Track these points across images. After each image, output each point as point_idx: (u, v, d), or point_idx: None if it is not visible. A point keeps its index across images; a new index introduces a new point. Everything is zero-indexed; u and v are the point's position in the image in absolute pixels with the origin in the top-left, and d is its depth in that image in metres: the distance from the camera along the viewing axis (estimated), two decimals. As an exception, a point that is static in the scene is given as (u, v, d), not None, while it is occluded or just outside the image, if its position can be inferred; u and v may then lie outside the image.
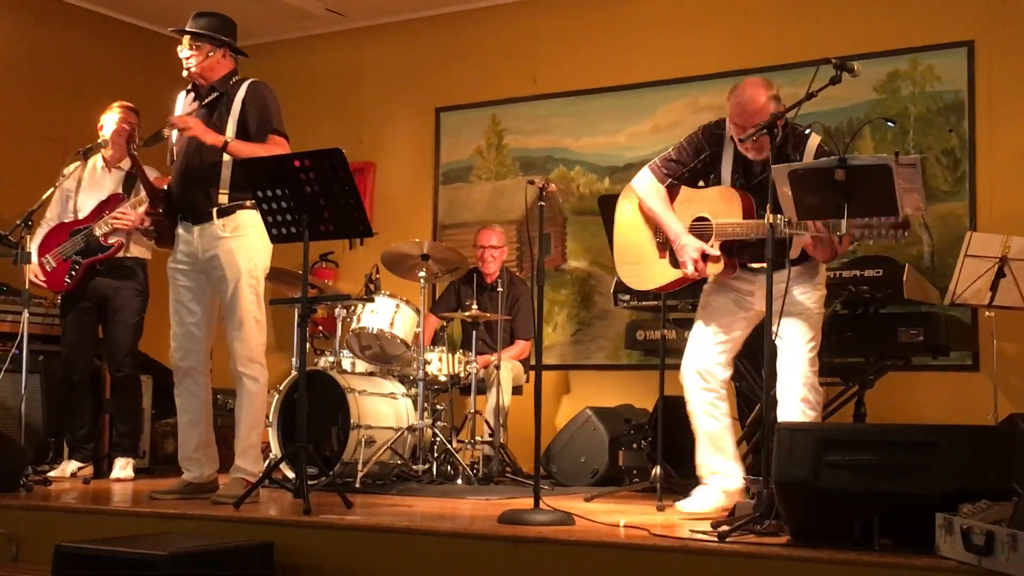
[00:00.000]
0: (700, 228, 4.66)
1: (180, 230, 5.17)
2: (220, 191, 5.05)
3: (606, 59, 7.73)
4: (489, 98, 8.11)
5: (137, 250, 6.27)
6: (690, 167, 4.73)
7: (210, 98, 5.13)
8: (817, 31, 6.99)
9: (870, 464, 3.54)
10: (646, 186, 4.78)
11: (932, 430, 3.63)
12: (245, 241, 5.07)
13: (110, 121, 6.28)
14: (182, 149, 5.14)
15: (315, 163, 4.67)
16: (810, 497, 3.61)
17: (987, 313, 5.68)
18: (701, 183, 4.77)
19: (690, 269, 4.60)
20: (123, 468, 6.14)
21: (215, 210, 5.05)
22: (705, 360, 4.68)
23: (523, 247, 7.76)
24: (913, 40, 6.80)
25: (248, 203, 5.01)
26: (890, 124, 6.37)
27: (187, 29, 5.15)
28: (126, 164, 6.33)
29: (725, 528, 3.79)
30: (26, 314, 5.90)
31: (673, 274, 4.76)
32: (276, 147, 5.04)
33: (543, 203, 4.53)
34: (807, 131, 4.55)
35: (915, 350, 5.55)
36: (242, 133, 5.07)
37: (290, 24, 8.57)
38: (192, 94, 5.25)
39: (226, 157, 5.01)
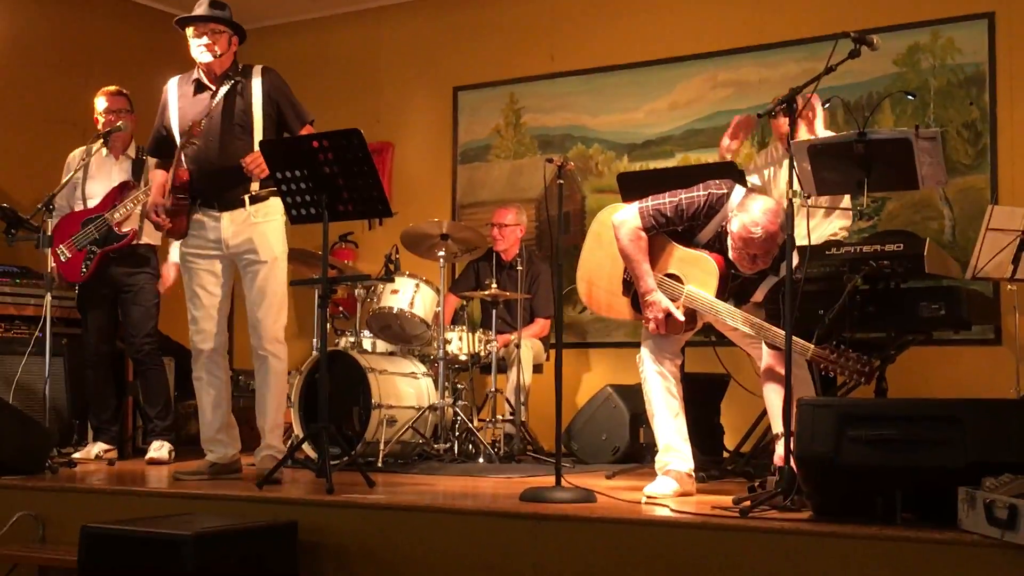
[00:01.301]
0: (669, 286, 4.56)
1: (200, 217, 5.18)
2: (252, 179, 5.08)
3: (623, 36, 7.70)
4: (507, 77, 8.09)
5: (148, 236, 6.29)
6: (676, 227, 4.58)
7: (226, 88, 5.13)
8: (836, 4, 6.94)
9: (892, 439, 3.54)
10: (628, 231, 4.56)
11: (954, 404, 3.62)
12: (275, 225, 5.17)
13: (99, 107, 6.28)
14: (213, 138, 5.10)
15: (333, 143, 4.68)
16: (832, 472, 3.61)
17: (1009, 287, 5.65)
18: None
19: (652, 327, 4.51)
20: (157, 450, 6.13)
21: (247, 197, 5.08)
22: (664, 344, 4.63)
23: (542, 226, 7.75)
24: (933, 12, 6.75)
25: (272, 189, 5.05)
26: (910, 97, 6.32)
27: (212, 15, 5.14)
28: (132, 151, 6.34)
29: (747, 504, 3.79)
30: (49, 297, 5.93)
31: (630, 314, 4.70)
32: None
33: (561, 181, 4.53)
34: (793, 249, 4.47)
35: (937, 324, 5.51)
36: (269, 123, 5.11)
37: (307, 5, 8.57)
38: (192, 84, 5.21)
39: (256, 143, 5.04)
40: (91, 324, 6.35)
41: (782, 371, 4.40)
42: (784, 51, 7.11)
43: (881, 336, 5.52)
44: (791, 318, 4.12)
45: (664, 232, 4.60)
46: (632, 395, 6.60)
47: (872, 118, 6.58)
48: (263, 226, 5.13)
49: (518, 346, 6.60)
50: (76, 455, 6.13)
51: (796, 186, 4.10)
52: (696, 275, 4.51)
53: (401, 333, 6.56)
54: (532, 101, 8.03)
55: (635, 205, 4.61)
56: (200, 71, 5.20)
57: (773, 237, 4.31)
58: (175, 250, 6.16)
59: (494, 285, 6.56)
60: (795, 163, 4.11)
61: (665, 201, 4.56)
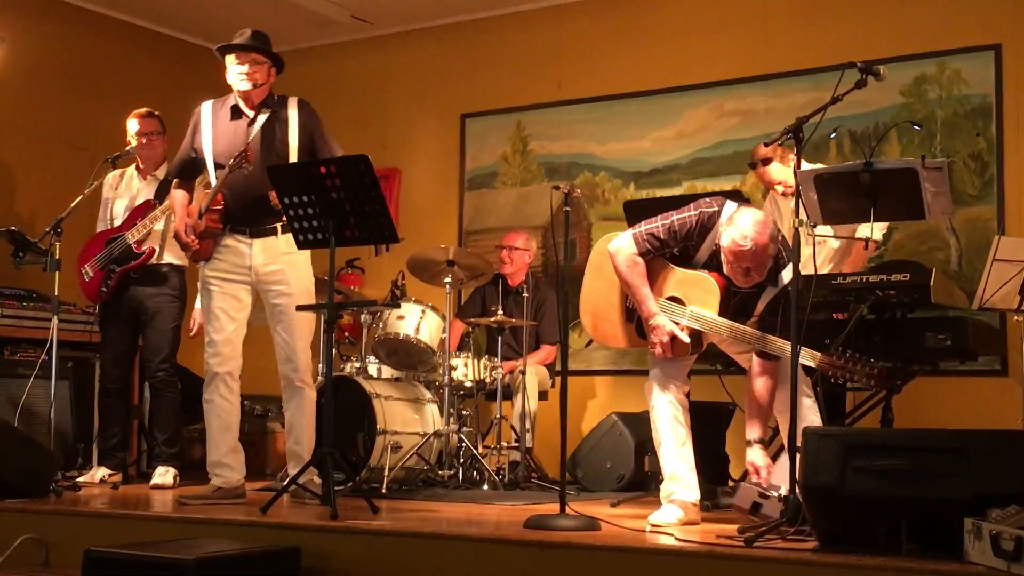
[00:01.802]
0: (671, 309, 4.57)
1: (230, 242, 5.20)
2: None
3: (630, 65, 7.73)
4: (514, 104, 8.12)
5: (172, 256, 6.28)
6: (670, 249, 4.60)
7: (264, 117, 5.17)
8: (842, 35, 6.97)
9: (898, 469, 3.53)
10: (625, 258, 4.59)
11: (960, 435, 3.61)
12: (304, 256, 5.21)
13: (131, 129, 6.34)
14: (254, 164, 5.12)
15: (341, 169, 4.70)
16: (837, 502, 3.60)
17: (1016, 318, 5.63)
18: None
19: (658, 351, 4.53)
20: (162, 476, 6.11)
21: (280, 226, 5.12)
22: (672, 372, 4.64)
23: (548, 253, 7.76)
24: (940, 43, 6.77)
25: None
26: (916, 128, 6.34)
27: (256, 46, 5.25)
28: (161, 172, 6.37)
29: (752, 534, 3.78)
30: (55, 321, 5.94)
31: (635, 342, 4.71)
32: None
33: (568, 208, 4.54)
34: (786, 261, 4.47)
35: (943, 355, 5.49)
36: (303, 154, 5.18)
37: (316, 31, 8.61)
38: (229, 110, 5.26)
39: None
40: (108, 344, 6.36)
41: (771, 381, 4.44)
42: (791, 81, 7.14)
43: (887, 366, 5.51)
44: (797, 346, 4.12)
45: (661, 255, 4.61)
46: (637, 423, 6.59)
47: (879, 148, 6.60)
48: (294, 256, 5.16)
49: (523, 373, 6.59)
50: (80, 479, 6.13)
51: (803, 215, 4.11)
52: (697, 295, 4.52)
53: (407, 359, 6.56)
54: (539, 128, 8.06)
55: (629, 231, 4.65)
56: (238, 98, 5.25)
57: (764, 248, 4.32)
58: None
59: (500, 312, 6.57)
60: (801, 192, 4.12)
61: (658, 224, 4.59)
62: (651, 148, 7.65)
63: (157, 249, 6.23)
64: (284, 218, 5.02)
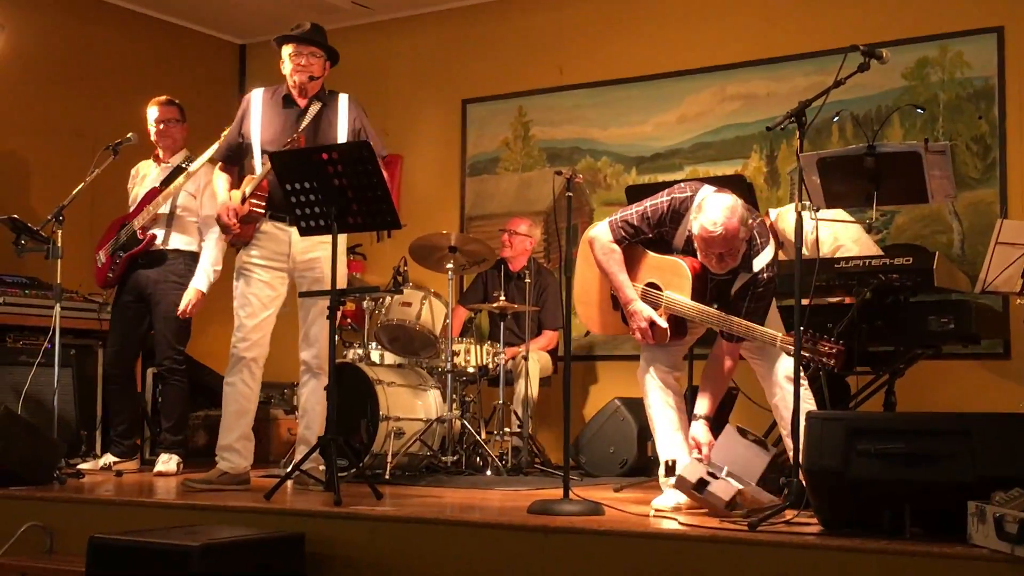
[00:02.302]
0: (651, 295, 4.63)
1: (269, 228, 5.22)
2: None
3: (632, 50, 7.71)
4: (515, 90, 8.10)
5: (179, 241, 6.27)
6: (645, 235, 4.66)
7: (316, 109, 5.20)
8: (844, 18, 6.95)
9: (901, 452, 3.53)
10: (601, 246, 4.68)
11: (963, 418, 3.61)
12: (341, 245, 5.17)
13: (151, 117, 6.35)
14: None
15: (343, 156, 4.69)
16: (841, 486, 3.60)
17: (1018, 301, 5.63)
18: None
19: (638, 337, 4.59)
20: (165, 463, 6.12)
21: None
22: (663, 357, 4.68)
23: (551, 238, 7.76)
24: (942, 26, 6.75)
25: None
26: (919, 111, 6.32)
27: (315, 39, 5.30)
28: (177, 159, 6.36)
29: (756, 518, 3.78)
30: (58, 308, 5.94)
31: (622, 329, 4.76)
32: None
33: (570, 194, 4.53)
34: (760, 247, 4.48)
35: (946, 338, 5.50)
36: None
37: (316, 17, 8.46)
38: (281, 99, 5.28)
39: None
40: (115, 331, 6.37)
41: (731, 363, 4.58)
42: (793, 64, 7.11)
43: (890, 350, 5.52)
44: (800, 335, 4.11)
45: (639, 242, 4.67)
46: (640, 408, 6.55)
47: (881, 131, 6.58)
48: (329, 246, 5.12)
49: (526, 358, 6.60)
50: (85, 466, 6.14)
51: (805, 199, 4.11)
52: (672, 280, 4.57)
53: (409, 345, 6.56)
54: (541, 114, 8.04)
55: (606, 220, 4.73)
56: (290, 88, 5.26)
57: (734, 234, 4.33)
58: (201, 276, 6.15)
59: (502, 297, 6.56)
60: (804, 176, 4.11)
61: (632, 212, 4.66)
62: (653, 133, 7.64)
63: (159, 234, 6.22)
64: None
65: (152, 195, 6.24)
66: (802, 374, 4.49)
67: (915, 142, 4.14)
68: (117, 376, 6.41)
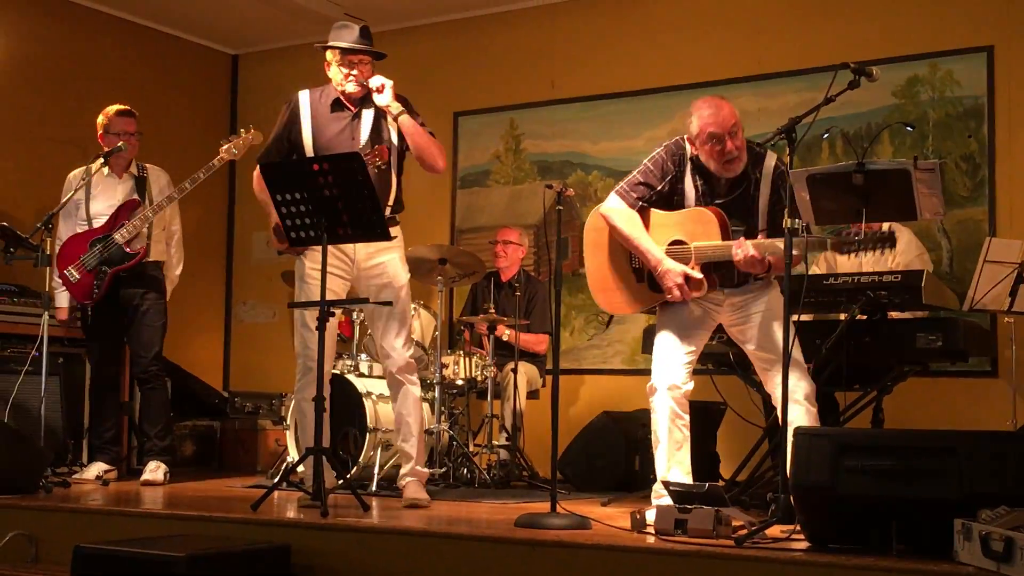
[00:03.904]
0: (677, 251, 4.60)
1: None
2: (388, 202, 5.13)
3: (623, 64, 7.73)
4: (507, 102, 8.12)
5: (155, 253, 6.30)
6: (657, 190, 4.64)
7: (371, 112, 5.19)
8: (835, 35, 6.98)
9: (888, 469, 3.54)
10: (617, 213, 4.66)
11: (950, 435, 3.62)
12: (401, 252, 5.22)
13: (120, 127, 6.27)
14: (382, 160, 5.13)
15: (334, 167, 4.69)
16: (828, 502, 3.60)
17: (1006, 319, 5.66)
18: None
19: (676, 295, 4.53)
20: (152, 471, 6.10)
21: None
22: (676, 374, 4.64)
23: (541, 251, 7.77)
24: (932, 45, 6.78)
25: (398, 215, 5.18)
26: (909, 129, 6.35)
27: (364, 48, 5.23)
28: (135, 169, 6.34)
29: (742, 533, 3.78)
30: (46, 316, 5.92)
31: (653, 299, 4.72)
32: (439, 144, 5.21)
33: (560, 207, 4.54)
34: (763, 149, 4.56)
35: (933, 356, 5.51)
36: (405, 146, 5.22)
37: (309, 28, 8.59)
38: (330, 103, 5.23)
39: (394, 167, 5.15)
40: (98, 345, 6.35)
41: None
42: (783, 81, 7.14)
43: (878, 366, 5.52)
44: (787, 355, 4.12)
45: (652, 203, 4.66)
46: (628, 422, 6.60)
47: (871, 149, 6.61)
48: (395, 251, 5.16)
49: (514, 371, 6.60)
50: (76, 476, 6.12)
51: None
52: (697, 229, 4.55)
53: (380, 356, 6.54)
54: (532, 127, 8.05)
55: (613, 192, 4.72)
56: (339, 92, 5.22)
57: (731, 112, 4.49)
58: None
59: (492, 308, 6.56)
60: (794, 192, 4.13)
61: (634, 174, 4.69)
62: (644, 147, 7.63)
63: (147, 248, 6.22)
64: (387, 211, 5.07)
65: (130, 208, 6.21)
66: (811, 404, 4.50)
67: (904, 160, 4.16)
68: (106, 385, 6.42)
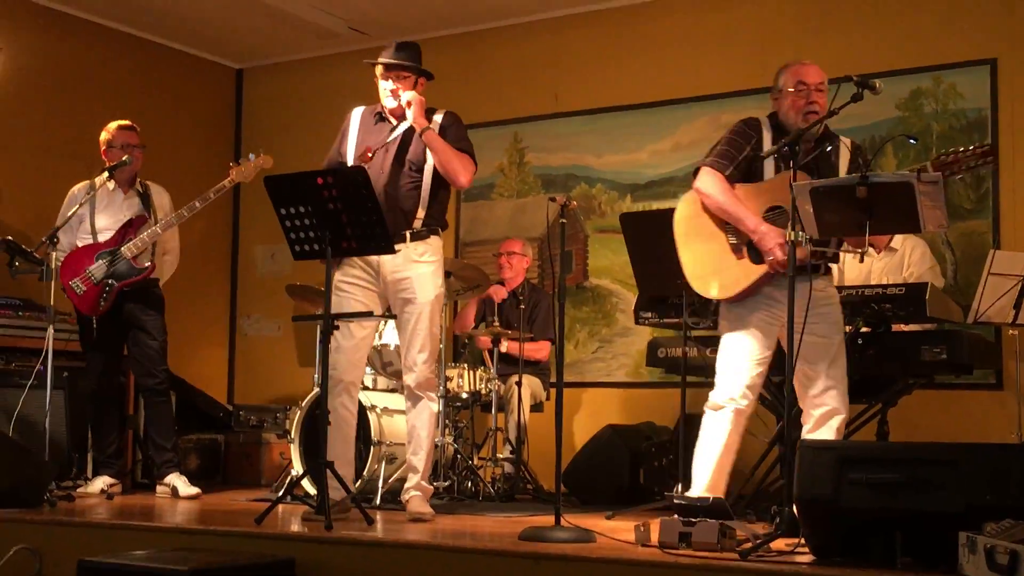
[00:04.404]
0: (776, 217, 4.54)
1: None
2: (417, 215, 5.12)
3: (627, 77, 7.74)
4: (511, 116, 8.13)
5: (157, 270, 6.35)
6: (744, 155, 4.63)
7: (406, 124, 5.19)
8: (839, 49, 6.98)
9: (892, 482, 3.53)
10: (711, 184, 4.62)
11: (955, 448, 3.61)
12: (434, 267, 5.16)
13: (123, 140, 6.30)
14: (385, 170, 5.14)
15: (338, 181, 4.70)
16: (832, 515, 3.60)
17: (1011, 331, 5.66)
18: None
19: (779, 255, 4.43)
20: (186, 486, 6.14)
21: (410, 232, 5.09)
22: (751, 381, 4.58)
23: (545, 264, 7.77)
24: (936, 58, 6.79)
25: (436, 229, 5.15)
26: (912, 141, 6.34)
27: (400, 63, 5.25)
28: (140, 186, 6.37)
29: (747, 546, 3.77)
30: (51, 330, 5.93)
31: (757, 271, 4.57)
32: (467, 160, 5.15)
33: (564, 220, 4.54)
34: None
35: (938, 368, 5.51)
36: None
37: (313, 42, 8.62)
38: (375, 115, 5.30)
39: (426, 182, 5.11)
40: (100, 358, 6.36)
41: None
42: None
43: (882, 379, 5.52)
44: (793, 363, 4.13)
45: (740, 171, 4.64)
46: (633, 435, 6.59)
47: (874, 161, 6.60)
48: (422, 266, 5.12)
49: (518, 384, 6.59)
50: (81, 489, 6.13)
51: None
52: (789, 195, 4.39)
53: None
54: (536, 140, 8.07)
55: (700, 169, 4.70)
56: (383, 107, 5.27)
57: (821, 73, 4.60)
58: None
59: (496, 321, 6.56)
60: (797, 204, 4.13)
61: (718, 147, 4.71)
62: (648, 160, 7.66)
63: (154, 264, 6.25)
64: (414, 225, 5.09)
65: (139, 224, 6.22)
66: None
67: (908, 172, 4.16)
68: (111, 398, 6.43)
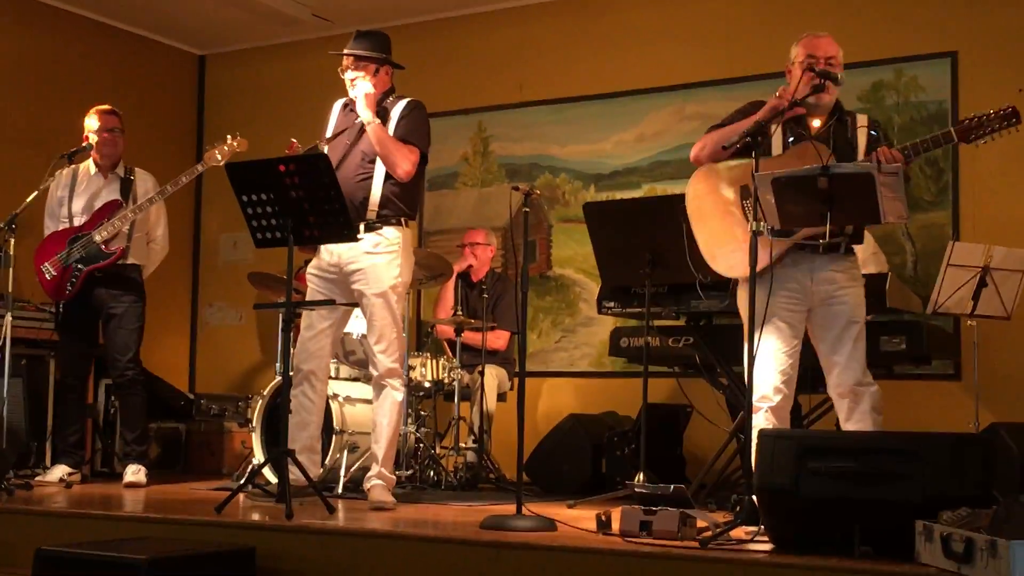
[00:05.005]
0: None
1: None
2: (370, 206, 5.11)
3: (592, 67, 7.75)
4: (475, 105, 8.12)
5: (135, 256, 6.26)
6: (742, 117, 4.55)
7: (370, 115, 5.16)
8: (802, 40, 7.01)
9: (851, 472, 3.56)
10: (705, 138, 4.57)
11: (913, 438, 3.64)
12: (389, 256, 5.13)
13: (92, 126, 6.26)
14: (343, 159, 5.17)
15: (300, 168, 4.68)
16: (791, 505, 3.62)
17: (969, 322, 5.71)
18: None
19: (780, 97, 4.44)
20: (135, 474, 6.08)
21: (363, 224, 5.08)
22: (781, 375, 4.51)
23: (508, 253, 7.77)
24: (897, 51, 6.83)
25: (392, 219, 5.10)
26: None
27: (352, 52, 5.26)
28: (121, 170, 6.31)
29: (707, 535, 3.80)
30: (9, 317, 5.87)
31: (772, 245, 4.42)
32: (408, 152, 5.12)
33: (528, 210, 4.54)
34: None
35: (897, 359, 5.56)
36: None
37: (277, 29, 8.57)
38: (348, 108, 5.33)
39: (377, 174, 5.09)
40: (70, 345, 6.30)
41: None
42: (751, 85, 7.14)
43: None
44: (752, 359, 4.15)
45: (738, 156, 4.52)
46: (595, 425, 6.61)
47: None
48: (375, 257, 5.11)
49: (482, 373, 6.59)
50: (39, 478, 6.07)
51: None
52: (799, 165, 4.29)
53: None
54: (500, 130, 8.06)
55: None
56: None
57: (832, 45, 4.54)
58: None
59: (459, 311, 6.55)
60: (759, 195, 4.14)
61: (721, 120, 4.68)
62: (612, 150, 7.67)
63: (124, 248, 6.18)
64: (367, 216, 5.08)
65: (112, 207, 6.17)
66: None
67: (868, 163, 4.19)
68: (74, 386, 6.37)
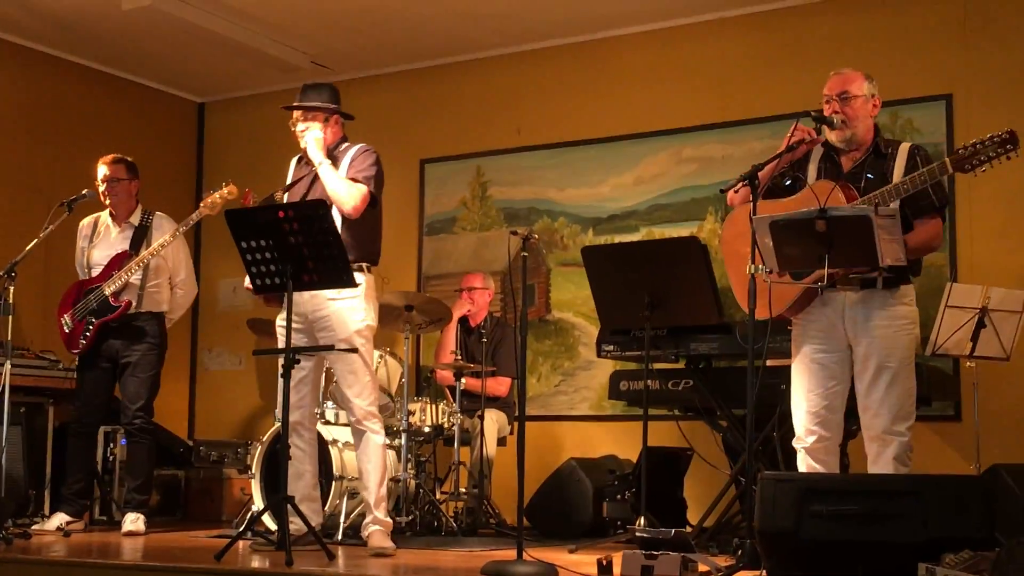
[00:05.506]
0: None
1: None
2: None
3: (589, 111, 7.79)
4: (473, 150, 8.16)
5: (150, 303, 6.27)
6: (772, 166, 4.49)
7: (326, 164, 5.22)
8: (798, 84, 7.04)
9: (853, 514, 3.55)
10: (736, 184, 4.48)
11: (914, 480, 3.64)
12: (353, 303, 5.14)
13: (97, 176, 6.29)
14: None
15: (299, 214, 4.70)
16: (793, 547, 3.61)
17: (968, 363, 5.70)
18: None
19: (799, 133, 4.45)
20: (133, 523, 6.06)
21: None
22: (815, 417, 4.50)
23: (507, 297, 7.78)
24: (893, 93, 6.82)
25: (355, 265, 5.06)
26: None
27: (300, 104, 5.35)
28: (135, 219, 6.33)
29: (709, 579, 3.78)
30: (8, 365, 5.87)
31: (798, 289, 4.45)
32: (356, 190, 5.14)
33: (526, 254, 4.55)
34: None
35: (898, 400, 5.55)
36: None
37: (276, 76, 8.62)
38: (303, 160, 5.39)
39: (335, 220, 5.06)
40: (85, 391, 6.31)
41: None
42: (748, 128, 7.21)
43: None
44: (752, 398, 4.14)
45: (771, 195, 4.54)
46: (595, 469, 6.59)
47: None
48: (339, 303, 5.12)
49: (482, 418, 6.58)
50: (37, 527, 6.05)
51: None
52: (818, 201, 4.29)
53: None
54: (498, 174, 8.09)
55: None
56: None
57: (845, 80, 4.61)
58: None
59: (458, 356, 6.54)
60: (757, 238, 4.16)
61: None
62: (610, 194, 7.70)
63: (134, 301, 6.18)
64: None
65: (121, 259, 6.19)
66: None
67: (866, 206, 4.20)
68: (84, 435, 6.38)
